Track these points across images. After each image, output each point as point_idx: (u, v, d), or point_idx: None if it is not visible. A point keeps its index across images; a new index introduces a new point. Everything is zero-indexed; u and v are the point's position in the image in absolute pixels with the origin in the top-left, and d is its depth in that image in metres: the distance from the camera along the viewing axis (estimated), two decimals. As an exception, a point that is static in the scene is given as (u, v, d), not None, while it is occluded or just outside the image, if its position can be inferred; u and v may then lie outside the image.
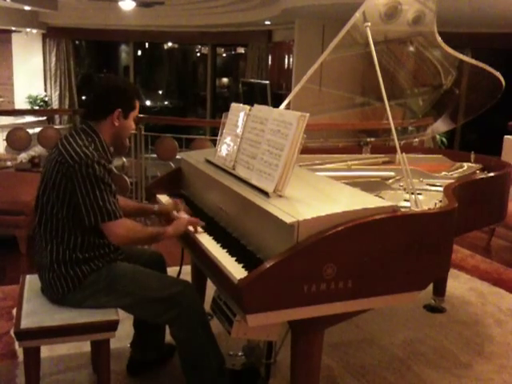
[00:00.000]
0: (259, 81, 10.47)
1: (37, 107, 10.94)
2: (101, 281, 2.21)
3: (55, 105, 11.45)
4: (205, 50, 12.79)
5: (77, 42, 12.24)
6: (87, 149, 2.11)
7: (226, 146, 2.56)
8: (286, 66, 11.01)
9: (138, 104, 2.34)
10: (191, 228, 2.34)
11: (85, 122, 2.26)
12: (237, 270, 1.88)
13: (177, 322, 2.20)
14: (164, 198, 2.84)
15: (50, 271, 2.20)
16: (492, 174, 3.04)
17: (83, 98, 12.07)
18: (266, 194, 2.05)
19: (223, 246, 2.12)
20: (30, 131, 6.45)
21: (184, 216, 2.44)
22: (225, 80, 13.71)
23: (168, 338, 2.66)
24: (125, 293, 2.22)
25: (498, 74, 3.28)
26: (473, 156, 3.47)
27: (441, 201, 2.41)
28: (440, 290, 3.61)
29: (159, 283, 2.26)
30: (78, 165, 2.06)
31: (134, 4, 8.37)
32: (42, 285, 2.29)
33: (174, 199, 2.66)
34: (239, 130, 2.45)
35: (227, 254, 2.05)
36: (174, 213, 2.53)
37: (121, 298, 2.22)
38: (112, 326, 2.18)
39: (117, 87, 2.27)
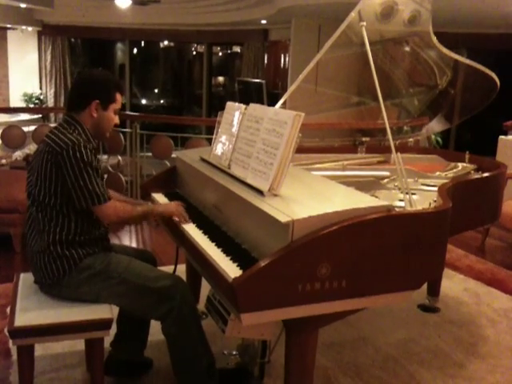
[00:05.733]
0: (255, 80, 10.48)
1: (32, 105, 10.91)
2: (97, 265, 2.24)
3: (50, 103, 11.42)
4: (201, 48, 12.78)
5: (72, 40, 12.21)
6: (71, 135, 2.19)
7: (221, 145, 2.55)
8: (281, 65, 11.01)
9: (118, 97, 2.36)
10: (177, 218, 2.42)
11: (67, 113, 2.32)
12: (231, 269, 1.88)
13: (169, 316, 2.20)
14: (159, 197, 2.84)
15: (46, 254, 2.22)
16: (486, 175, 3.04)
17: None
18: (260, 192, 2.06)
19: (218, 245, 2.12)
20: (25, 129, 6.43)
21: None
22: (221, 79, 13.71)
23: (148, 351, 2.68)
24: (120, 280, 2.23)
25: (492, 74, 3.29)
26: (467, 156, 3.48)
27: (435, 201, 2.41)
28: (434, 290, 3.62)
29: (153, 274, 2.28)
30: (66, 151, 2.13)
31: (129, 2, 8.36)
32: (36, 274, 2.30)
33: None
34: (234, 129, 2.45)
35: (222, 252, 2.05)
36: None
37: (116, 285, 2.23)
38: (106, 324, 2.18)
39: (95, 79, 2.33)
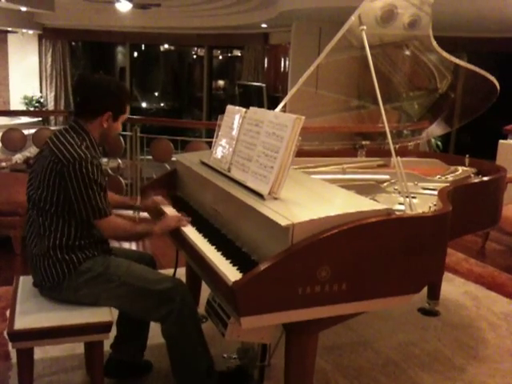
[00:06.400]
0: (255, 83, 10.49)
1: (32, 108, 10.92)
2: (96, 268, 2.25)
3: (50, 106, 11.44)
4: (201, 52, 12.81)
5: (73, 43, 12.24)
6: (79, 148, 2.17)
7: (221, 148, 2.56)
8: (282, 68, 11.04)
9: (128, 108, 2.39)
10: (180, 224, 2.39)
11: (75, 119, 2.31)
12: (231, 272, 1.87)
13: (169, 318, 2.20)
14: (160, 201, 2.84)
15: (46, 257, 2.22)
16: (486, 178, 3.04)
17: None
18: (261, 196, 2.05)
19: (218, 248, 2.12)
20: (25, 132, 6.43)
21: (171, 213, 2.49)
22: (221, 82, 13.73)
23: (148, 353, 2.68)
24: (120, 282, 2.23)
25: (492, 78, 3.29)
26: (467, 160, 3.48)
27: (435, 204, 2.41)
28: (434, 294, 3.61)
29: (153, 277, 2.29)
30: (72, 165, 2.12)
31: (130, 5, 8.38)
32: (36, 277, 2.30)
33: (156, 198, 2.72)
34: (235, 133, 2.45)
35: (222, 255, 2.05)
36: (163, 207, 2.63)
37: (115, 287, 2.23)
38: (105, 327, 2.18)
39: (110, 91, 2.30)
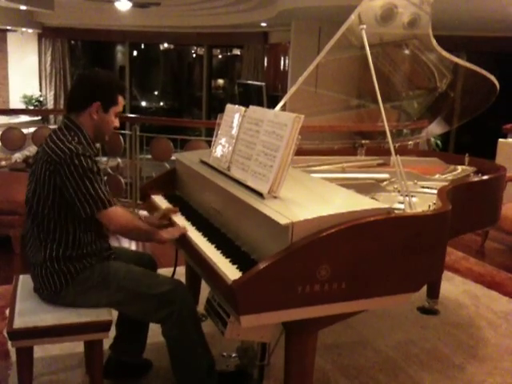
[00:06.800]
0: (255, 82, 10.49)
1: (32, 107, 10.92)
2: (94, 277, 2.22)
3: (50, 105, 11.44)
4: (201, 51, 12.80)
5: (72, 42, 12.23)
6: (70, 143, 2.13)
7: (220, 147, 2.56)
8: (281, 67, 11.04)
9: (120, 99, 2.31)
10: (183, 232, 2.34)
11: (67, 115, 2.27)
12: (231, 271, 1.87)
13: (169, 320, 2.19)
14: (158, 199, 2.84)
15: (43, 268, 2.20)
16: (486, 177, 3.05)
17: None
18: (260, 195, 2.05)
19: (217, 247, 2.12)
20: (25, 131, 6.43)
21: (181, 224, 2.45)
22: (220, 81, 13.73)
23: (147, 353, 2.68)
24: (118, 288, 2.22)
25: (492, 77, 3.29)
26: (467, 159, 3.48)
27: (435, 203, 2.41)
28: (434, 292, 3.61)
29: (152, 281, 2.27)
30: (64, 160, 2.08)
31: (130, 4, 8.37)
32: (35, 283, 2.28)
33: (167, 208, 2.65)
34: (234, 131, 2.45)
35: (221, 254, 2.05)
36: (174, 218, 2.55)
37: (114, 293, 2.22)
38: (105, 326, 2.18)
39: (98, 80, 2.26)
